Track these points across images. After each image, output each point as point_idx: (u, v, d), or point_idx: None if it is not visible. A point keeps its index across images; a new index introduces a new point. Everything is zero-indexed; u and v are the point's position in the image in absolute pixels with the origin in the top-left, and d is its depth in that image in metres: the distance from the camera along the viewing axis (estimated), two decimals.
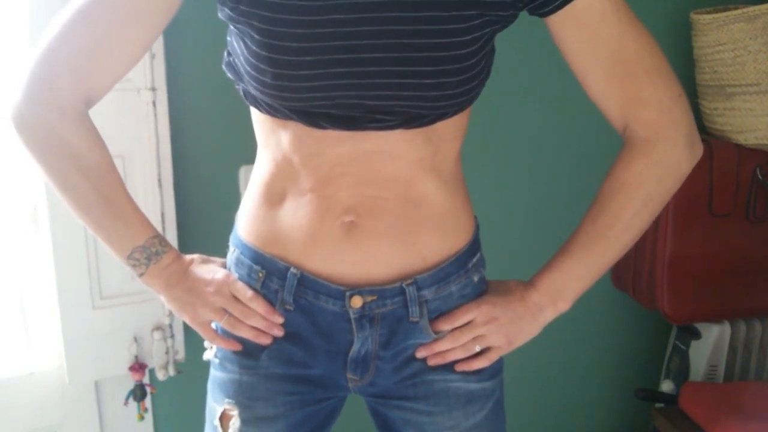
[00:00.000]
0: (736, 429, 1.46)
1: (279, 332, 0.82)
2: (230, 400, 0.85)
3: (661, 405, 1.73)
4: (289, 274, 0.80)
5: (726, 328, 1.73)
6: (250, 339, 0.83)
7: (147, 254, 0.81)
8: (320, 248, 0.79)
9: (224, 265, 0.87)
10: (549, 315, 0.84)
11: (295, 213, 0.79)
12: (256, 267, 0.82)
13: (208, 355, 0.89)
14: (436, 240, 0.81)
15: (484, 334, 0.83)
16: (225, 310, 0.83)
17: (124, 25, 0.72)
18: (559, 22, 0.74)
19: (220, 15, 0.74)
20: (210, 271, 0.84)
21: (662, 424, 1.65)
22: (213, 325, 0.86)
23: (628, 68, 0.73)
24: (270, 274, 0.81)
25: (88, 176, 0.76)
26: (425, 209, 0.79)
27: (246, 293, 0.82)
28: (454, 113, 0.77)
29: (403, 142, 0.76)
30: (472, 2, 0.70)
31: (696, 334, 1.74)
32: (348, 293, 0.79)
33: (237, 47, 0.75)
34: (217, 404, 0.87)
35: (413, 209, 0.79)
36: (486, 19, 0.71)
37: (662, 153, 0.76)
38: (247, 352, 0.85)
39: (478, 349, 0.83)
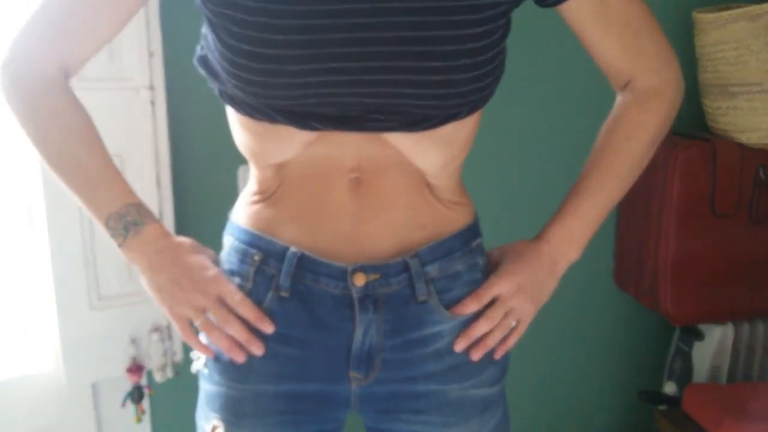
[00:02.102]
0: (740, 431, 1.45)
1: (258, 351, 0.77)
2: (217, 415, 0.80)
3: (664, 407, 1.73)
4: (288, 254, 0.76)
5: (729, 329, 1.72)
6: (221, 350, 0.77)
7: (123, 223, 0.76)
8: (321, 221, 0.76)
9: (216, 261, 0.82)
10: (562, 267, 0.84)
11: (294, 194, 0.77)
12: (252, 250, 0.78)
13: (197, 366, 0.84)
14: (435, 210, 0.79)
15: (515, 308, 0.81)
16: (205, 311, 0.77)
17: (99, 2, 0.73)
18: (571, 5, 0.74)
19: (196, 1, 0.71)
20: (201, 265, 0.79)
21: (665, 427, 1.64)
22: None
23: (636, 28, 0.78)
24: (267, 257, 0.77)
25: (60, 139, 0.76)
26: (426, 202, 0.79)
27: (235, 296, 0.77)
28: (467, 114, 0.72)
29: (408, 149, 0.73)
30: None
31: (699, 335, 1.74)
32: (350, 269, 0.76)
33: (212, 41, 0.70)
34: (205, 421, 0.83)
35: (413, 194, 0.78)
36: (501, 10, 0.68)
37: (671, 95, 0.82)
38: (236, 364, 0.79)
39: (513, 324, 0.82)
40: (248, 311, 0.76)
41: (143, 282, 0.80)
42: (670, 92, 0.82)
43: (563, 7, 0.75)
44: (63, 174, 0.77)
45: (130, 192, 0.79)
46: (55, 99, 0.76)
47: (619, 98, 0.84)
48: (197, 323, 0.77)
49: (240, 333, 0.76)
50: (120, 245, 0.78)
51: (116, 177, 0.78)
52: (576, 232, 0.83)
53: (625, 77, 0.82)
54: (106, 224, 0.77)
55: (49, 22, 0.74)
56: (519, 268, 0.82)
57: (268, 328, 0.76)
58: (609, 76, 0.83)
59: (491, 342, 0.81)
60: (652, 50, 0.80)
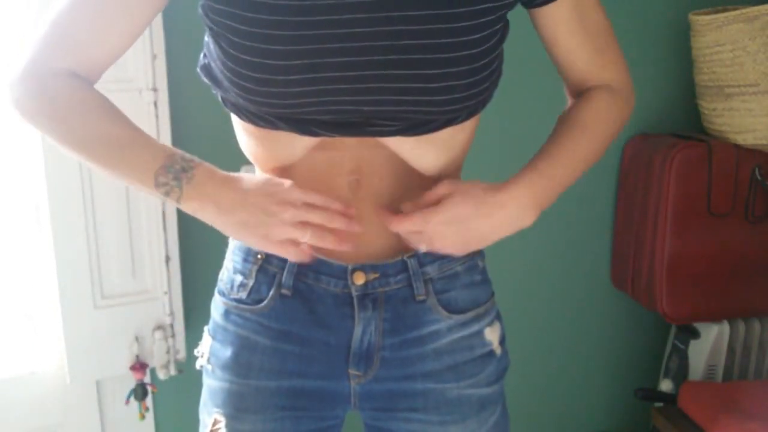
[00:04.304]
0: (735, 428, 1.47)
1: (358, 228, 0.71)
2: (219, 410, 0.81)
3: (660, 404, 1.74)
4: None
5: (725, 328, 1.73)
6: (336, 247, 0.71)
7: (173, 173, 0.71)
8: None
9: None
10: (506, 215, 0.74)
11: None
12: (255, 250, 0.79)
13: (201, 362, 0.85)
14: None
15: (431, 235, 0.73)
16: (305, 223, 0.70)
17: (112, 15, 0.72)
18: (553, 7, 0.75)
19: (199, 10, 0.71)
20: (270, 181, 0.71)
21: (661, 424, 1.65)
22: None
23: (602, 37, 0.80)
24: (270, 256, 0.78)
25: (86, 120, 0.74)
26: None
27: (313, 195, 0.70)
28: (466, 118, 0.73)
29: (407, 152, 0.74)
30: None
31: (695, 334, 1.75)
32: (350, 268, 0.77)
33: (214, 50, 0.71)
34: (207, 415, 0.84)
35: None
36: (499, 14, 0.69)
37: (626, 96, 0.84)
38: (238, 360, 0.80)
39: (423, 249, 0.75)
40: (330, 202, 0.71)
41: (225, 231, 0.73)
42: (628, 94, 0.84)
43: (543, 11, 0.76)
44: (97, 155, 0.74)
45: (164, 146, 0.75)
46: (71, 85, 0.74)
47: (578, 97, 0.83)
48: (305, 238, 0.70)
49: (341, 222, 0.71)
50: (178, 200, 0.71)
51: (148, 138, 0.75)
52: (535, 189, 0.76)
53: (591, 81, 0.82)
54: (157, 183, 0.71)
55: (60, 37, 0.73)
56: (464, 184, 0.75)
57: (351, 212, 0.72)
58: (570, 81, 0.84)
59: (396, 223, 0.74)
60: (613, 59, 0.82)
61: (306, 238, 0.70)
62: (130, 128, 0.74)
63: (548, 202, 0.77)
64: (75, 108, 0.74)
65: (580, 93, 0.84)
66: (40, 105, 0.74)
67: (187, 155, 0.73)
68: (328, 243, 0.71)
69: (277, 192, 0.70)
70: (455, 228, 0.73)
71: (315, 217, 0.70)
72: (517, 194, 0.75)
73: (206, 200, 0.71)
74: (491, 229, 0.75)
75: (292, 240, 0.70)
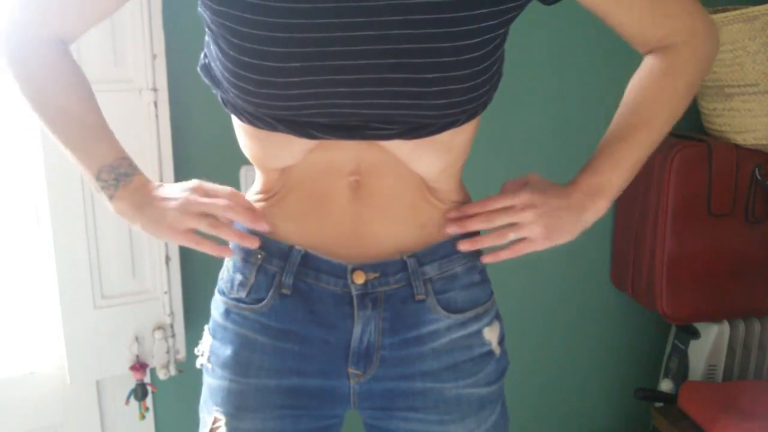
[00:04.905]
0: (735, 428, 1.47)
1: (265, 226, 0.78)
2: (218, 409, 0.81)
3: (661, 404, 1.74)
4: (293, 252, 0.78)
5: (725, 328, 1.73)
6: (236, 242, 0.78)
7: (115, 174, 0.79)
8: (322, 221, 0.78)
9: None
10: (590, 216, 0.80)
11: (296, 195, 0.79)
12: (256, 250, 0.80)
13: (201, 361, 0.86)
14: (434, 210, 0.80)
15: (521, 223, 0.79)
16: (204, 215, 0.77)
17: None
18: None
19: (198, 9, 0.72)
20: (181, 184, 0.80)
21: (661, 424, 1.65)
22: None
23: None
24: (270, 256, 0.79)
25: (54, 93, 0.78)
26: (425, 202, 0.80)
27: (220, 188, 0.79)
28: (465, 121, 0.73)
29: (406, 155, 0.74)
30: (483, 1, 0.65)
31: (695, 334, 1.75)
32: (350, 267, 0.77)
33: (213, 50, 0.71)
34: (207, 414, 0.84)
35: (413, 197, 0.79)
36: (502, 20, 0.68)
37: (700, 45, 0.79)
38: (238, 359, 0.81)
39: (512, 237, 0.79)
40: (233, 196, 0.79)
41: (139, 226, 0.80)
42: (697, 43, 0.79)
43: None
44: (59, 129, 0.79)
45: (121, 148, 0.81)
46: (51, 60, 0.78)
47: (648, 57, 0.82)
48: (203, 226, 0.77)
49: (244, 214, 0.77)
50: (111, 197, 0.79)
51: (109, 133, 0.81)
52: (608, 182, 0.80)
53: (654, 42, 0.79)
54: (98, 176, 0.79)
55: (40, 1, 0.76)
56: (542, 195, 0.80)
57: (260, 218, 0.78)
58: (635, 44, 0.81)
59: (479, 243, 0.80)
60: (675, 9, 0.78)
61: (203, 226, 0.77)
62: (98, 117, 0.80)
63: (621, 188, 0.81)
64: (54, 80, 0.78)
65: (652, 49, 0.80)
66: (20, 67, 0.77)
67: (133, 162, 0.81)
68: (224, 233, 0.77)
69: (186, 188, 0.78)
70: (542, 212, 0.79)
71: (213, 208, 0.76)
72: (590, 205, 0.80)
73: (130, 203, 0.79)
74: (572, 229, 0.81)
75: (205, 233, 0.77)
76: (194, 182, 0.80)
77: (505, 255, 0.81)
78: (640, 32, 0.79)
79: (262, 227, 0.79)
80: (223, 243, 0.81)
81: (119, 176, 0.79)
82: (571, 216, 0.80)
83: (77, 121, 0.79)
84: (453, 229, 0.80)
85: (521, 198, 0.79)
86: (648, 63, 0.81)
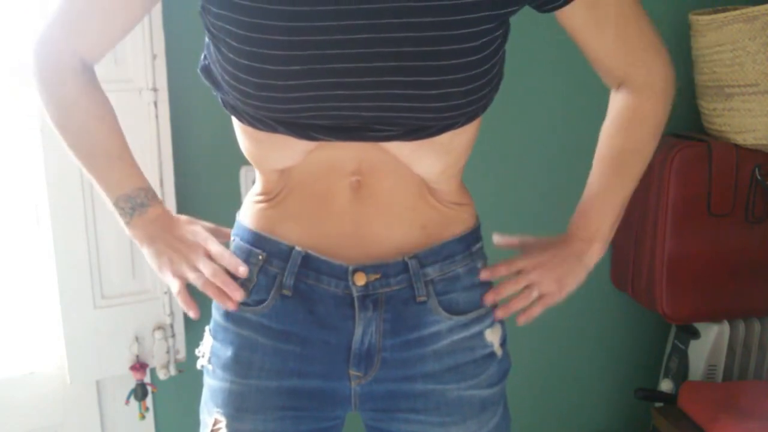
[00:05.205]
0: (735, 428, 1.47)
1: (238, 295, 0.79)
2: (219, 410, 0.82)
3: (661, 404, 1.74)
4: (293, 253, 0.78)
5: (725, 328, 1.73)
6: (213, 297, 0.81)
7: (132, 204, 0.83)
8: (323, 222, 0.78)
9: (213, 231, 0.87)
10: (591, 260, 0.89)
11: (297, 196, 0.79)
12: (257, 250, 0.80)
13: (202, 362, 0.86)
14: (435, 211, 0.81)
15: (536, 281, 0.86)
16: (197, 270, 0.81)
17: (111, 4, 0.77)
18: (568, 8, 0.74)
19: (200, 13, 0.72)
20: (192, 231, 0.84)
21: (661, 424, 1.65)
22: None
23: (627, 26, 0.79)
24: (271, 257, 0.80)
25: (80, 121, 0.81)
26: (426, 203, 0.81)
27: (217, 250, 0.81)
28: (466, 122, 0.74)
29: (406, 156, 0.75)
30: (481, 4, 0.66)
31: (695, 334, 1.75)
32: (351, 269, 0.77)
33: (213, 53, 0.72)
34: (207, 415, 0.84)
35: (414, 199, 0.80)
36: (499, 21, 0.69)
37: (664, 87, 0.84)
38: (239, 360, 0.81)
39: (536, 294, 0.86)
40: (225, 259, 0.80)
41: (145, 254, 0.85)
42: (660, 84, 0.83)
43: (560, 13, 0.76)
44: (82, 154, 0.82)
45: (142, 176, 0.85)
46: (77, 85, 0.80)
47: (613, 97, 0.87)
48: (191, 278, 0.81)
49: (221, 279, 0.79)
50: (126, 224, 0.84)
51: (131, 160, 0.84)
52: (600, 229, 0.88)
53: (618, 75, 0.83)
54: (116, 204, 0.83)
55: (64, 20, 0.78)
56: (544, 253, 0.88)
57: (242, 270, 0.80)
58: (602, 75, 0.85)
59: (513, 306, 0.86)
60: (642, 48, 0.81)
61: (198, 283, 0.80)
62: (122, 144, 0.84)
63: (611, 232, 0.90)
64: (80, 105, 0.81)
65: (619, 86, 0.85)
66: (47, 90, 0.80)
67: (153, 193, 0.85)
68: (212, 293, 0.80)
69: (193, 239, 0.82)
70: (550, 266, 0.87)
71: (205, 267, 0.80)
72: (587, 249, 0.89)
73: (143, 233, 0.83)
74: (578, 275, 0.90)
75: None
76: (200, 241, 0.82)
77: (536, 312, 0.88)
78: (603, 61, 0.82)
79: (237, 297, 0.80)
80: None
81: (135, 206, 0.83)
82: (576, 262, 0.88)
83: (100, 148, 0.82)
84: (490, 298, 0.84)
85: (528, 261, 0.87)
86: (616, 110, 0.85)
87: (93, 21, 0.78)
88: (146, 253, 0.84)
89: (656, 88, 0.83)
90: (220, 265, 0.80)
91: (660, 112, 0.85)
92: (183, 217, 0.87)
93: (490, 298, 0.84)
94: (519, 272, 0.87)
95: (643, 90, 0.83)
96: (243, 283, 0.81)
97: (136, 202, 0.83)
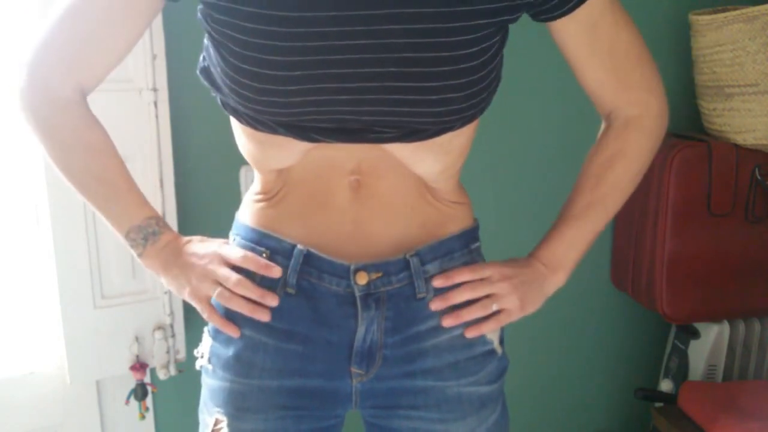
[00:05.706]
0: (735, 428, 1.47)
1: (273, 301, 0.78)
2: (219, 409, 0.82)
3: (661, 404, 1.74)
4: (295, 252, 0.78)
5: (725, 328, 1.73)
6: (245, 312, 0.78)
7: (143, 234, 0.82)
8: (323, 221, 0.78)
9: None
10: (550, 287, 0.86)
11: (296, 195, 0.79)
12: (259, 248, 0.80)
13: (201, 362, 0.86)
14: (434, 210, 0.81)
15: (499, 293, 0.81)
16: (217, 283, 0.79)
17: (110, 22, 0.74)
18: (562, 23, 0.74)
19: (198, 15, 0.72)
20: (204, 246, 0.83)
21: (661, 424, 1.65)
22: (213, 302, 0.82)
23: (621, 56, 0.78)
24: (274, 255, 0.79)
25: (82, 158, 0.80)
26: (424, 201, 0.81)
27: (237, 254, 0.79)
28: (464, 124, 0.74)
29: (405, 157, 0.75)
30: (478, 11, 0.66)
31: (695, 334, 1.75)
32: (353, 268, 0.77)
33: (213, 56, 0.71)
34: (208, 415, 0.84)
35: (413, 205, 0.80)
36: (498, 27, 0.69)
37: (653, 126, 0.82)
38: (240, 359, 0.81)
39: (495, 308, 0.81)
40: (251, 263, 0.78)
41: (164, 282, 0.84)
42: (648, 123, 0.82)
43: (554, 26, 0.76)
44: (85, 189, 0.81)
45: (148, 205, 0.84)
46: (75, 119, 0.78)
47: (603, 125, 0.85)
48: (215, 296, 0.79)
49: (252, 291, 0.78)
50: (140, 255, 0.83)
51: (136, 191, 0.83)
52: (565, 258, 0.85)
53: (607, 106, 0.82)
54: (127, 236, 0.82)
55: (61, 48, 0.75)
56: (512, 267, 0.84)
57: (275, 271, 0.78)
58: (593, 101, 0.83)
59: (465, 315, 0.80)
60: (635, 80, 0.79)
61: (214, 295, 0.79)
62: (125, 177, 0.82)
63: (575, 262, 0.86)
64: (80, 142, 0.79)
65: (608, 114, 0.83)
66: (42, 127, 0.78)
67: (162, 221, 0.84)
68: (235, 305, 0.78)
69: (207, 253, 0.81)
70: (516, 282, 0.82)
71: (227, 281, 0.78)
72: (550, 277, 0.85)
73: (158, 261, 0.83)
74: (537, 301, 0.85)
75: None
76: (215, 248, 0.81)
77: (487, 327, 0.82)
78: (594, 88, 0.81)
79: (271, 302, 0.79)
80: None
81: (147, 235, 0.82)
82: (537, 287, 0.84)
83: (104, 184, 0.81)
84: (436, 305, 0.80)
85: (497, 269, 0.82)
86: (600, 139, 0.84)
87: (93, 48, 0.75)
88: (164, 282, 0.84)
89: (645, 126, 0.82)
90: (242, 273, 0.78)
91: (646, 150, 0.83)
92: (195, 237, 0.86)
93: (435, 305, 0.80)
94: (483, 280, 0.82)
95: (630, 126, 0.81)
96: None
97: (148, 231, 0.82)
